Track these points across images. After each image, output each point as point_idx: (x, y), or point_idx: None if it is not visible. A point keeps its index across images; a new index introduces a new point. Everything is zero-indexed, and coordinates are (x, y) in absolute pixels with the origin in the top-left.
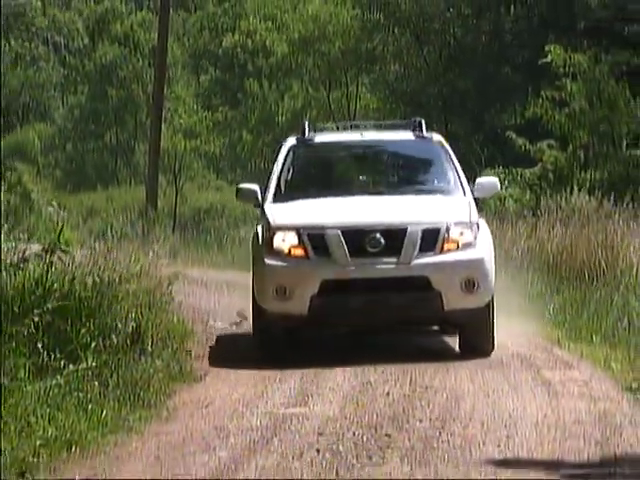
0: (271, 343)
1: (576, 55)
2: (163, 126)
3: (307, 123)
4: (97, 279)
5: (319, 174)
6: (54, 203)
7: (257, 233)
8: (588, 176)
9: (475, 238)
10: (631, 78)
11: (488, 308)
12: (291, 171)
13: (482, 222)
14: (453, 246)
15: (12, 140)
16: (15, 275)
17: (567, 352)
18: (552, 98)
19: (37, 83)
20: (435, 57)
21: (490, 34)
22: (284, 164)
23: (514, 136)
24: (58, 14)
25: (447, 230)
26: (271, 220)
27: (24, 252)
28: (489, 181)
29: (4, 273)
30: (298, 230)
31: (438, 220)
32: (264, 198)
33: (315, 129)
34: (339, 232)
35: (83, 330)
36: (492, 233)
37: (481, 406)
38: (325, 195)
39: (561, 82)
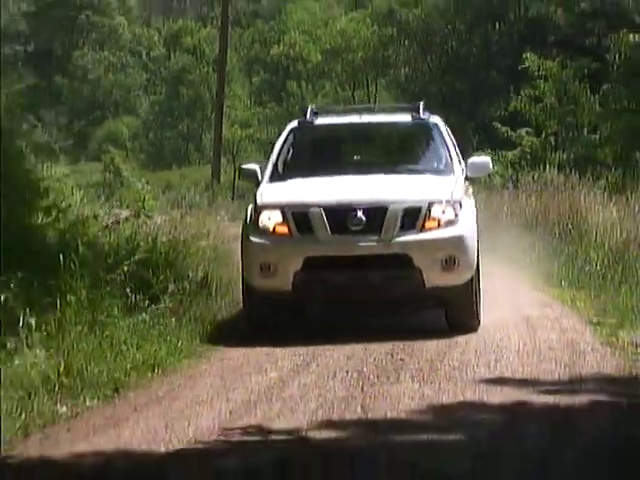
0: (259, 318)
1: (547, 62)
2: (224, 118)
3: (311, 106)
4: (173, 238)
5: (314, 155)
6: (142, 179)
7: (247, 212)
8: (557, 156)
9: (456, 216)
10: (591, 80)
11: (471, 284)
12: (289, 152)
13: (467, 200)
14: (434, 224)
15: (106, 130)
16: (110, 234)
17: (542, 294)
18: (529, 95)
19: (125, 85)
20: (436, 63)
21: (480, 46)
22: (283, 145)
23: (499, 125)
24: (141, 30)
25: (428, 208)
26: (258, 199)
27: (117, 217)
28: (481, 161)
29: (101, 233)
30: (282, 208)
31: (419, 198)
32: (263, 178)
33: (319, 112)
34: (321, 210)
35: (162, 277)
36: (482, 202)
37: (475, 336)
38: (316, 175)
39: (536, 83)
